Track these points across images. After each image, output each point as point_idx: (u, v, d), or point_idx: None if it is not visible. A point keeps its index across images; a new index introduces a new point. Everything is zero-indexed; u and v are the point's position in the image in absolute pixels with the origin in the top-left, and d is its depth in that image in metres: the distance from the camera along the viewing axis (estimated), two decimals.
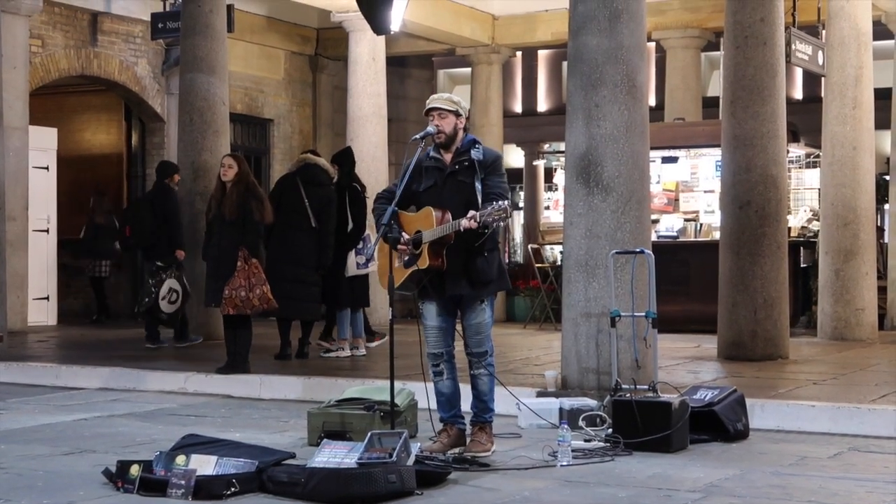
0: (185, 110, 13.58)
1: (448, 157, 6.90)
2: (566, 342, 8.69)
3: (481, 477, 6.36)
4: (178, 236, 12.95)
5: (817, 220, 14.58)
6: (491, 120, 19.01)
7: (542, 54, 24.61)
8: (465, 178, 6.81)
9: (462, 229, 6.58)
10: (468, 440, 6.99)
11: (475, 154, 6.82)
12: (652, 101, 18.81)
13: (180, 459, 6.01)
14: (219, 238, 10.11)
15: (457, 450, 6.90)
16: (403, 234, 6.79)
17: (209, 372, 10.27)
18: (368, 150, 15.86)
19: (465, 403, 7.14)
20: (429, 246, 6.70)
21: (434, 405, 7.12)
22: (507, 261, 21.93)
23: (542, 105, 25.08)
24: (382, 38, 15.69)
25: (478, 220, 6.51)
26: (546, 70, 25.03)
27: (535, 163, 24.60)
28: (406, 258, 6.81)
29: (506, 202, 6.54)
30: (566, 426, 6.80)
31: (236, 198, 9.99)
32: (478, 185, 6.75)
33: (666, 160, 15.70)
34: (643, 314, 8.14)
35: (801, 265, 14.89)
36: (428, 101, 6.98)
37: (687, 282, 14.31)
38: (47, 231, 16.20)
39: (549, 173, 20.41)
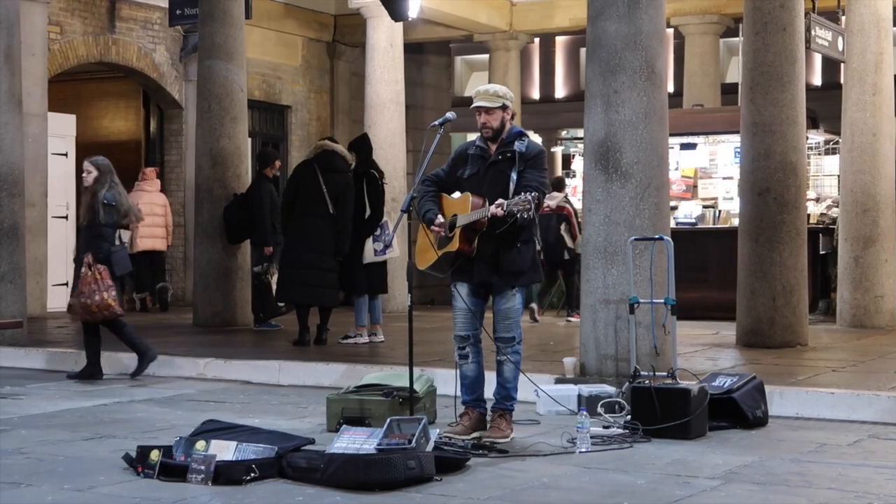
0: (204, 97, 13.59)
1: (493, 147, 7.02)
2: (585, 329, 8.69)
3: (500, 463, 6.37)
4: (263, 232, 13.07)
5: (836, 206, 14.52)
6: None
7: (560, 40, 24.58)
8: (505, 168, 6.92)
9: (490, 216, 6.69)
10: (488, 426, 7.00)
11: (518, 146, 6.92)
12: (670, 88, 18.76)
13: (200, 445, 6.04)
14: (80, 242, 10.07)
15: (476, 434, 6.92)
16: (440, 216, 6.90)
17: (228, 358, 10.31)
18: (386, 136, 15.86)
19: (489, 390, 7.16)
20: (461, 230, 6.81)
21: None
22: None
23: (560, 91, 25.05)
24: (400, 24, 15.69)
25: (504, 208, 6.61)
26: (564, 56, 24.99)
27: (553, 149, 24.58)
28: (439, 240, 6.93)
29: (534, 194, 6.62)
30: (585, 413, 6.80)
31: (89, 201, 9.84)
32: (513, 177, 6.86)
33: (684, 147, 15.67)
34: (662, 301, 8.13)
35: (820, 252, 14.83)
36: (474, 98, 7.06)
37: (705, 269, 14.29)
38: (66, 217, 16.25)
39: (568, 160, 20.42)
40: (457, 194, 7.04)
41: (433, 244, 6.96)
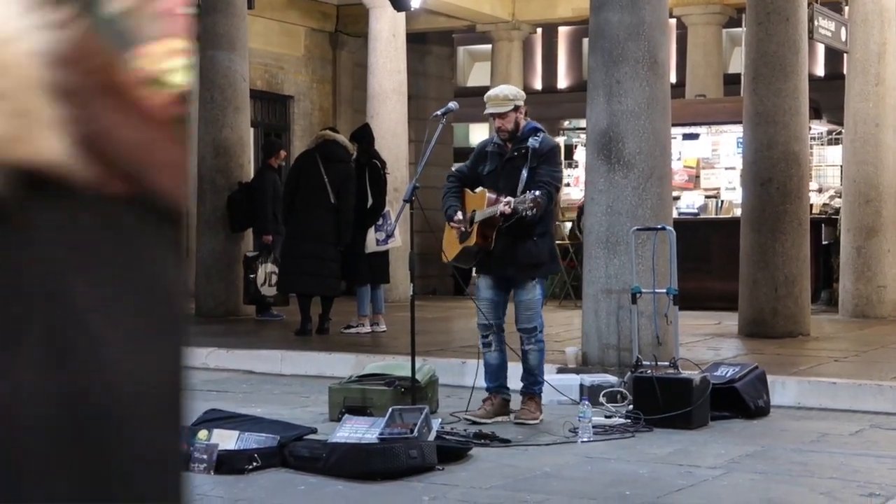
0: (206, 87, 13.59)
1: (510, 144, 7.23)
2: (587, 319, 8.70)
3: (502, 452, 6.37)
4: (264, 221, 13.08)
5: (839, 197, 14.51)
6: None
7: (563, 31, 24.55)
8: (519, 164, 7.13)
9: (499, 213, 6.90)
10: (520, 408, 7.22)
11: (532, 143, 7.14)
12: (673, 78, 18.75)
13: (202, 434, 6.04)
14: None
15: (499, 418, 7.15)
16: (459, 212, 7.14)
17: (231, 348, 10.32)
18: (389, 126, 15.84)
19: (513, 381, 7.35)
20: (478, 225, 7.05)
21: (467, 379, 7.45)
22: None
23: (563, 82, 25.02)
24: (403, 14, 15.65)
25: (511, 206, 6.83)
26: (566, 47, 24.96)
27: (555, 139, 24.57)
28: (461, 234, 7.18)
29: (538, 192, 6.79)
30: (587, 402, 6.82)
31: None
32: (523, 174, 7.07)
33: (687, 137, 15.65)
34: (664, 291, 8.13)
35: (823, 242, 14.82)
36: (486, 104, 7.20)
37: (708, 259, 14.28)
38: None
39: (570, 150, 20.41)
40: (479, 189, 7.22)
41: (457, 238, 7.20)
